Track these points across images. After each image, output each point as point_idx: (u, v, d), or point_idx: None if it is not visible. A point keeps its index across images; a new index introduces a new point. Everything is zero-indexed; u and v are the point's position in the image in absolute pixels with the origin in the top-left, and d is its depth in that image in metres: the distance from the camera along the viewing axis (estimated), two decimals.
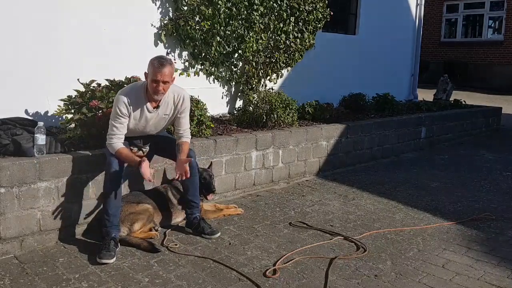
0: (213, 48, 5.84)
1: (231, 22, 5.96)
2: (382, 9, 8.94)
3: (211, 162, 4.37)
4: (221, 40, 5.90)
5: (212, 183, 4.10)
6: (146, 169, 3.35)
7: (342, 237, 3.83)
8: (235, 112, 6.04)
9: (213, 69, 6.03)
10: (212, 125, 4.95)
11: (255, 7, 6.21)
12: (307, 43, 7.06)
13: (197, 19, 5.60)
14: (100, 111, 3.92)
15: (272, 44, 6.59)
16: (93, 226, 3.71)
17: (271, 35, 6.58)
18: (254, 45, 6.28)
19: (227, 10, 5.86)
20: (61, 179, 3.53)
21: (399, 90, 9.26)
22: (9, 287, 2.91)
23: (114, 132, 3.48)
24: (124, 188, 3.81)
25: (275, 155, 5.22)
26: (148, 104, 3.57)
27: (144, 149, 3.82)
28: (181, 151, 3.64)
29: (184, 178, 3.57)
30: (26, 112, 4.49)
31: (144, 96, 3.55)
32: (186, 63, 5.81)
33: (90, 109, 3.93)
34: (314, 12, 7.05)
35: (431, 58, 18.25)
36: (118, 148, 3.45)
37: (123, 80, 4.39)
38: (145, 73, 3.53)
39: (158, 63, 3.41)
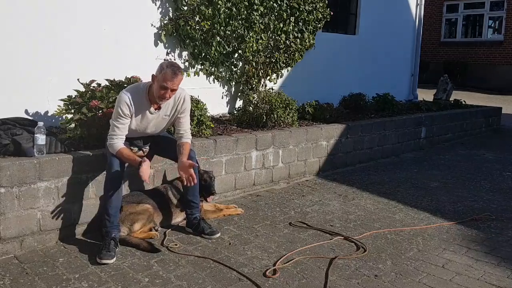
0: (213, 48, 5.84)
1: (231, 22, 5.96)
2: (382, 9, 8.95)
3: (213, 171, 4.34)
4: (221, 40, 5.90)
5: (213, 185, 4.08)
6: (146, 170, 3.35)
7: (342, 237, 3.83)
8: (235, 112, 6.04)
9: (213, 69, 6.04)
10: (212, 125, 4.95)
11: (255, 7, 6.22)
12: (307, 43, 7.06)
13: (197, 19, 5.59)
14: (100, 111, 3.92)
15: (272, 44, 6.59)
16: (93, 226, 3.71)
17: (271, 35, 6.58)
18: (254, 45, 6.28)
19: (227, 10, 5.87)
20: (61, 179, 3.53)
21: (399, 90, 9.27)
22: (9, 287, 2.91)
23: (115, 132, 3.47)
24: (124, 188, 3.81)
25: (275, 155, 5.22)
26: (150, 106, 3.57)
27: (144, 149, 3.82)
28: (182, 153, 3.62)
29: (191, 184, 3.54)
30: (26, 112, 4.49)
31: (146, 98, 3.54)
32: (186, 63, 5.81)
33: (90, 109, 3.93)
34: (314, 12, 7.05)
35: (431, 58, 18.27)
36: (119, 149, 3.45)
37: (123, 80, 4.39)
38: (152, 75, 3.47)
39: (172, 71, 3.36)
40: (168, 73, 3.36)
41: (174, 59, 5.66)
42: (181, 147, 3.67)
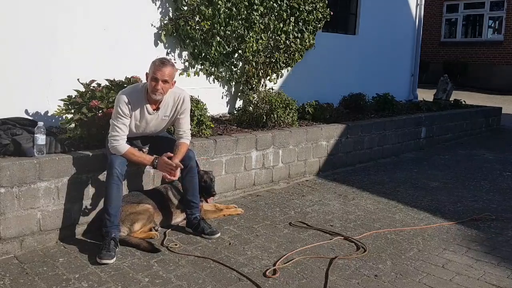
0: (213, 48, 5.84)
1: (231, 22, 5.96)
2: (382, 9, 8.95)
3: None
4: (221, 40, 5.90)
5: (212, 186, 4.08)
6: (167, 162, 3.47)
7: (342, 237, 3.83)
8: (235, 112, 6.04)
9: (213, 69, 6.04)
10: (212, 125, 4.95)
11: (255, 7, 6.22)
12: (307, 43, 7.06)
13: (197, 19, 5.60)
14: (100, 111, 3.91)
15: (272, 44, 6.59)
16: (93, 226, 3.71)
17: (271, 35, 6.58)
18: (254, 45, 6.28)
19: (227, 10, 5.87)
20: (61, 179, 3.53)
21: (399, 90, 9.26)
22: (9, 287, 2.91)
23: (118, 133, 3.46)
24: (124, 188, 3.80)
25: (275, 155, 5.22)
26: (148, 106, 3.57)
27: (144, 150, 3.82)
28: (176, 152, 3.63)
29: (167, 179, 3.59)
30: (26, 112, 4.49)
31: (144, 98, 3.55)
32: (186, 63, 5.81)
33: (90, 109, 3.93)
34: (314, 12, 7.05)
35: (431, 58, 18.25)
36: (127, 149, 3.46)
37: (123, 80, 4.39)
38: (146, 73, 3.54)
39: (160, 62, 3.46)
40: (156, 64, 3.45)
41: (174, 59, 5.66)
42: (177, 147, 3.68)
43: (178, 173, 3.57)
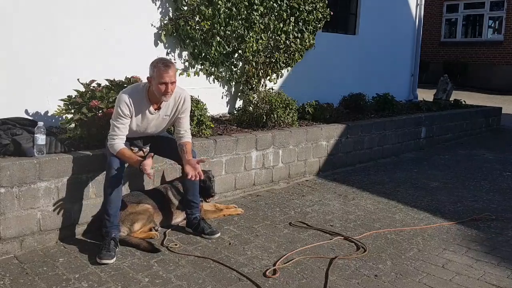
0: (213, 48, 5.84)
1: (231, 22, 5.96)
2: (382, 9, 8.95)
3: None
4: (221, 40, 5.90)
5: (212, 187, 4.08)
6: (148, 163, 3.35)
7: (342, 237, 3.83)
8: (235, 112, 6.04)
9: (213, 69, 6.04)
10: (212, 125, 4.95)
11: (255, 7, 6.22)
12: (307, 43, 7.06)
13: (197, 19, 5.60)
14: (100, 111, 3.92)
15: (272, 44, 6.59)
16: (93, 226, 3.71)
17: (271, 35, 6.58)
18: (254, 45, 6.28)
19: (227, 10, 5.87)
20: (61, 179, 3.53)
21: (399, 90, 9.27)
22: (9, 287, 2.91)
23: (116, 132, 3.47)
24: (124, 188, 3.81)
25: (275, 155, 5.22)
26: (150, 106, 3.57)
27: (144, 149, 3.82)
28: (186, 151, 3.64)
29: (198, 178, 3.58)
30: (26, 112, 4.49)
31: (146, 98, 3.55)
32: (186, 63, 5.81)
33: (90, 109, 3.93)
34: (314, 12, 7.05)
35: (431, 58, 18.26)
36: (120, 149, 3.45)
37: (123, 80, 4.39)
38: (147, 77, 3.51)
39: (163, 65, 3.41)
40: (161, 68, 3.39)
41: (174, 59, 5.66)
42: (183, 146, 3.68)
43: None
